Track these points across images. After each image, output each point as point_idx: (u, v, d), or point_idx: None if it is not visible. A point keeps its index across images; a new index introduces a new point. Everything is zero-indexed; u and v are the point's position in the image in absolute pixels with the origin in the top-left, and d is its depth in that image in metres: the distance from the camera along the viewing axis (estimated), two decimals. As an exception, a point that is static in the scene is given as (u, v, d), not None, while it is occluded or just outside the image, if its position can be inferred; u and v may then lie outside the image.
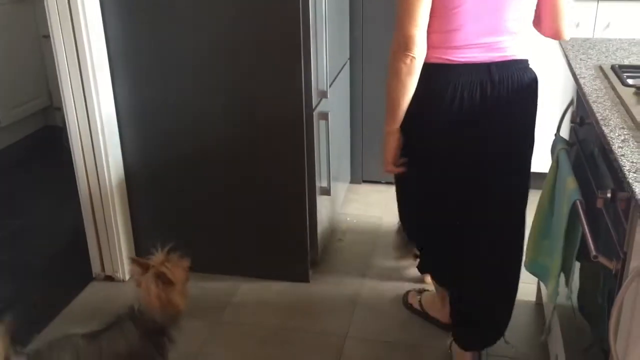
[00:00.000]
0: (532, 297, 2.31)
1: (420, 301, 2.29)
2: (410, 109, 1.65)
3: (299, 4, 2.09)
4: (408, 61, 1.56)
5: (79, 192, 2.44)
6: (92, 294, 2.47)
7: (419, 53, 1.57)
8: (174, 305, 1.74)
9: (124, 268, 2.53)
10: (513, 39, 1.63)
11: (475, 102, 1.61)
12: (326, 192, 2.55)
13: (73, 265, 2.63)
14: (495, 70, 1.61)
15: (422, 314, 2.26)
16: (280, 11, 2.11)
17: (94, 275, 2.55)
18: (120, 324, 1.70)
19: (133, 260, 1.78)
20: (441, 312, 2.16)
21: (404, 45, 1.55)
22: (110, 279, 2.54)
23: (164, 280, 1.71)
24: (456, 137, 1.66)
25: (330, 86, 2.46)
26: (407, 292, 2.37)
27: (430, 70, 1.61)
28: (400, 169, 1.78)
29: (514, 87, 1.63)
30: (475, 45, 1.59)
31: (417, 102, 1.63)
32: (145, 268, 1.73)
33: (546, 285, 1.67)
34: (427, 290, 2.33)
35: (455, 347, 1.99)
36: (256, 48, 2.19)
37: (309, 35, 2.16)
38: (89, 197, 2.44)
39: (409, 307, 2.32)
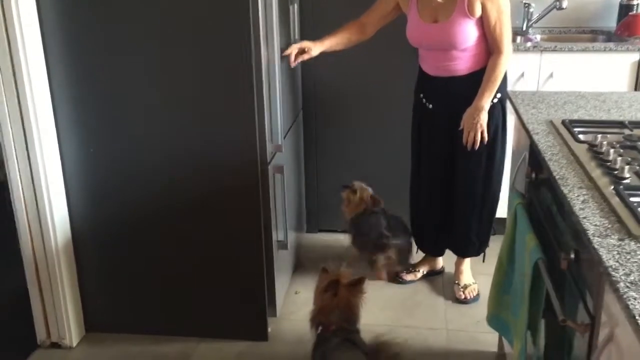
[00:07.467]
0: (494, 348, 2.30)
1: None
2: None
3: (252, 56, 2.07)
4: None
5: (22, 252, 2.30)
6: (37, 363, 2.33)
7: None
8: None
9: (72, 334, 2.39)
10: None
11: None
12: (283, 246, 2.50)
13: (16, 331, 2.47)
14: None
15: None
16: (232, 64, 2.08)
17: (38, 343, 2.40)
18: None
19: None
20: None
21: (511, 52, 2.34)
22: (56, 346, 2.40)
23: None
24: None
25: (284, 138, 2.44)
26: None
27: None
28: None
29: None
30: None
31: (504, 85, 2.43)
32: None
33: (510, 343, 1.66)
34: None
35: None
36: (208, 103, 2.15)
37: (262, 89, 2.14)
38: (33, 258, 2.30)
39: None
